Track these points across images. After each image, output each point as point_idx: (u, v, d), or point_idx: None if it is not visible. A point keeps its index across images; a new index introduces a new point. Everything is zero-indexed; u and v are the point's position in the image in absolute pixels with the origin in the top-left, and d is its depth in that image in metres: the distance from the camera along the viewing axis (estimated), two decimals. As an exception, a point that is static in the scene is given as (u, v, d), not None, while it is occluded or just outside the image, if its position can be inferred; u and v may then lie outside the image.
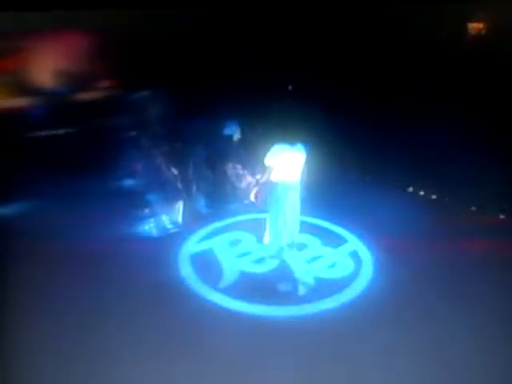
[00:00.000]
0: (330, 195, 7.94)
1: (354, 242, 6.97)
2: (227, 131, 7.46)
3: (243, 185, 7.42)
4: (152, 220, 7.09)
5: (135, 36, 7.82)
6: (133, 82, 7.51)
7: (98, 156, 7.26)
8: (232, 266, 6.34)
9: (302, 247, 6.72)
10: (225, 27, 8.68)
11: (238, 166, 7.42)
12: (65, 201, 7.53)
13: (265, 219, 6.61)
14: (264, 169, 6.06)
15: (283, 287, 5.96)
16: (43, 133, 7.85)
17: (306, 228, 6.88)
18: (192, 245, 6.80)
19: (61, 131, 8.05)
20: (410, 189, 8.59)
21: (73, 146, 8.00)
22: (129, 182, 6.95)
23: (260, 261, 6.46)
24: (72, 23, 7.63)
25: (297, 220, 6.42)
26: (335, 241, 6.98)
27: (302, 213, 6.47)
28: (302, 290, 5.90)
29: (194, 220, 7.27)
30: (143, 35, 7.88)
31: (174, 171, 7.09)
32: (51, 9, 6.90)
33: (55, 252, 6.29)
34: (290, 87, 8.87)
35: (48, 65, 7.96)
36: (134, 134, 6.91)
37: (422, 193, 8.45)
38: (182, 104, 7.28)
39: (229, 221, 7.40)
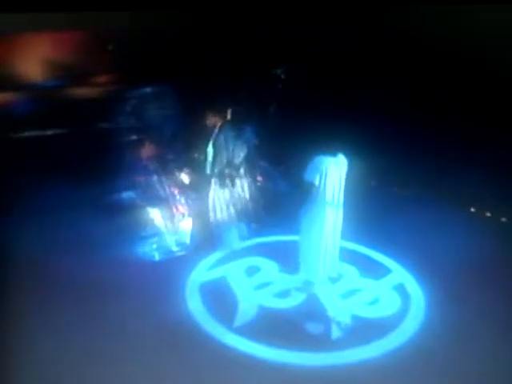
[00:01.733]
0: (371, 215, 7.06)
1: (401, 273, 6.17)
2: (246, 137, 6.67)
3: (265, 199, 6.65)
4: (154, 240, 6.53)
5: (136, 32, 7.36)
6: (135, 80, 7.00)
7: (93, 163, 6.85)
8: (249, 300, 5.68)
9: (335, 278, 5.96)
10: (238, 30, 8.21)
11: (260, 178, 6.69)
12: (53, 216, 6.97)
13: (290, 243, 5.99)
14: (303, 185, 5.42)
15: (312, 328, 5.21)
16: (31, 135, 7.30)
17: (341, 255, 6.06)
18: (201, 272, 6.13)
19: (51, 134, 7.50)
20: (472, 209, 7.68)
21: (65, 151, 7.45)
22: (128, 195, 6.51)
23: (284, 294, 5.75)
24: (69, 22, 7.17)
25: (337, 245, 5.76)
26: (377, 271, 6.21)
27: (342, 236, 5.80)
28: (335, 333, 5.14)
29: (205, 242, 6.54)
30: (145, 32, 7.42)
31: (182, 183, 6.49)
32: (53, 11, 6.52)
33: (39, 281, 5.78)
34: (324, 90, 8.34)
35: (43, 60, 7.52)
36: (135, 138, 6.42)
37: (488, 214, 7.55)
38: (192, 106, 6.59)
39: (246, 243, 6.67)
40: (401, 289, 5.91)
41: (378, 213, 7.37)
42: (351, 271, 6.17)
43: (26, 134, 7.25)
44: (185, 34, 7.44)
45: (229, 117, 6.57)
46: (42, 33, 7.41)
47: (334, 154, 5.43)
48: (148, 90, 6.62)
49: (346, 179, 5.59)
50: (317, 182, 5.41)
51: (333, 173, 5.43)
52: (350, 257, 6.27)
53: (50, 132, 7.46)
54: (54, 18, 6.98)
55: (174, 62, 7.33)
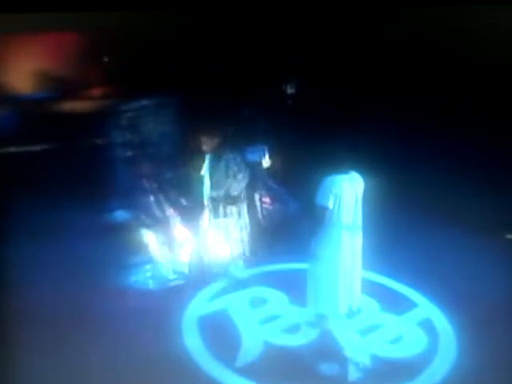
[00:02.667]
0: (392, 241, 6.66)
1: (427, 307, 5.68)
2: (252, 156, 6.52)
3: (273, 223, 6.35)
4: (149, 267, 6.17)
5: (134, 41, 7.14)
6: (131, 92, 6.73)
7: (84, 181, 6.52)
8: (254, 336, 5.29)
9: (353, 312, 5.46)
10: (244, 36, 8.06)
11: (267, 200, 6.35)
12: (38, 238, 6.56)
13: (301, 271, 5.47)
14: (316, 207, 5.01)
15: (326, 369, 4.80)
16: (17, 151, 6.92)
17: (365, 287, 5.64)
18: (200, 303, 5.75)
19: (39, 150, 7.13)
20: (509, 235, 7.15)
21: (53, 168, 7.10)
22: (121, 217, 6.23)
23: (293, 329, 5.35)
24: (62, 24, 6.91)
25: (358, 276, 5.31)
26: (400, 305, 5.75)
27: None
28: (352, 375, 4.71)
29: (205, 270, 6.19)
30: (143, 35, 7.16)
31: (181, 205, 6.18)
32: (45, 10, 6.23)
33: (21, 311, 5.33)
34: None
35: (32, 69, 7.21)
36: (130, 154, 6.18)
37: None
38: (193, 121, 6.30)
39: (251, 272, 6.27)
40: (427, 325, 5.46)
41: (401, 239, 6.96)
42: (370, 304, 5.69)
43: (12, 149, 6.89)
44: (186, 44, 7.19)
45: (233, 133, 6.25)
46: (31, 38, 7.12)
47: (348, 172, 5.02)
48: (145, 102, 6.37)
49: (363, 200, 5.16)
50: (330, 204, 4.97)
51: (348, 193, 4.99)
52: (368, 288, 5.74)
53: (37, 148, 7.12)
54: (42, 19, 6.63)
55: (174, 73, 7.04)
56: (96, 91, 7.19)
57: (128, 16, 6.64)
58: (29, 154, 7.26)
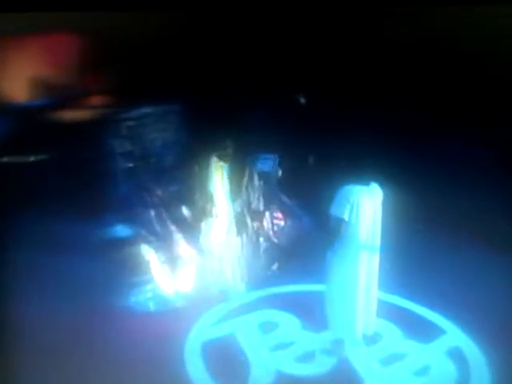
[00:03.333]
0: (416, 260, 6.28)
1: (456, 334, 5.26)
2: (262, 167, 6.21)
3: (285, 240, 6.01)
4: (149, 288, 5.81)
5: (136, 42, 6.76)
6: (132, 98, 6.39)
7: (80, 193, 6.14)
8: (264, 364, 4.95)
9: (373, 339, 5.12)
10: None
11: (278, 215, 6.04)
12: (29, 254, 6.12)
13: (315, 293, 5.26)
14: (331, 222, 4.73)
15: None
16: (9, 161, 6.57)
17: (381, 310, 5.27)
18: (205, 328, 5.40)
19: (32, 161, 6.75)
20: None
21: (46, 179, 6.74)
22: (119, 232, 5.83)
23: (307, 357, 4.99)
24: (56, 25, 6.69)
25: (374, 297, 4.98)
26: (426, 331, 5.32)
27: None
28: None
29: (211, 290, 5.88)
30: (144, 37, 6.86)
31: (185, 220, 5.83)
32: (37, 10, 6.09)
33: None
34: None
35: (26, 74, 6.84)
36: (130, 165, 5.91)
37: None
38: (199, 129, 6.03)
39: (260, 293, 5.92)
40: (457, 354, 5.05)
41: (426, 257, 6.53)
42: (392, 331, 5.29)
43: (4, 160, 6.54)
44: (193, 47, 6.98)
45: (242, 144, 5.99)
46: (25, 40, 6.79)
47: (367, 183, 4.72)
48: (148, 110, 6.10)
49: (383, 214, 4.85)
50: (346, 215, 4.68)
51: (366, 206, 4.70)
52: (390, 313, 5.40)
53: (31, 159, 6.74)
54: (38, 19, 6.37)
55: (180, 78, 6.72)
56: (95, 98, 6.91)
57: (130, 18, 6.47)
58: (22, 165, 6.92)
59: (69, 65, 6.73)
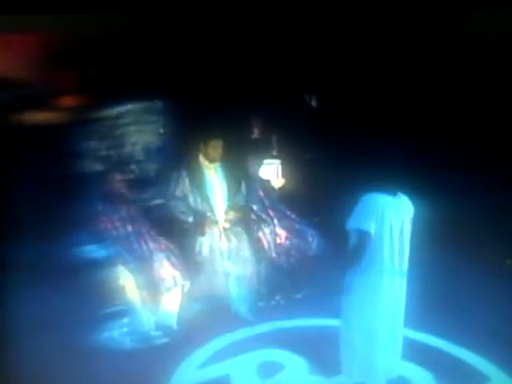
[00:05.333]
0: (449, 290, 5.50)
1: (503, 381, 4.44)
2: (261, 174, 5.56)
3: (291, 264, 5.26)
4: (125, 321, 5.08)
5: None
6: (108, 92, 5.63)
7: (44, 205, 5.38)
8: None
9: None
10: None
11: (283, 232, 5.27)
12: None
13: (327, 329, 4.61)
14: (348, 242, 4.02)
15: None
16: None
17: (408, 351, 4.44)
18: (193, 369, 4.67)
19: None
20: None
21: (10, 187, 5.85)
22: (89, 252, 5.08)
23: None
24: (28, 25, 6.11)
25: (400, 334, 4.19)
26: (464, 377, 4.53)
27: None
28: None
29: (200, 324, 5.11)
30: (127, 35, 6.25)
31: (170, 237, 5.04)
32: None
33: None
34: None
35: None
36: (103, 171, 5.10)
37: None
38: (188, 131, 5.33)
39: (260, 329, 5.15)
40: None
41: (461, 287, 5.76)
42: (423, 376, 4.49)
43: None
44: (182, 42, 6.42)
45: (239, 149, 5.49)
46: None
47: (394, 193, 3.97)
48: (128, 108, 5.26)
49: (412, 233, 4.10)
50: (371, 233, 3.90)
51: (392, 220, 3.94)
52: (419, 353, 4.63)
53: None
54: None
55: (166, 72, 6.10)
56: (64, 97, 6.29)
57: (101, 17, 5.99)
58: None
59: (35, 64, 6.28)
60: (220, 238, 5.17)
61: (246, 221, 5.35)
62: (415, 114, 7.38)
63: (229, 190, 5.24)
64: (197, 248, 5.14)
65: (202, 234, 5.11)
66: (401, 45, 7.62)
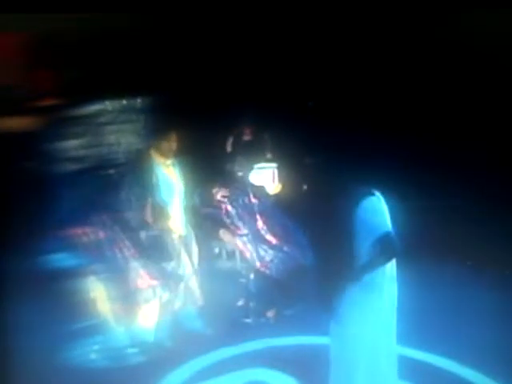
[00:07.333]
0: (452, 305, 5.21)
1: None
2: (251, 179, 5.22)
3: (282, 277, 4.94)
4: (96, 338, 4.67)
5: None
6: (86, 88, 5.36)
7: (10, 210, 4.90)
8: None
9: None
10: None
11: (274, 240, 4.99)
12: None
13: (317, 348, 4.27)
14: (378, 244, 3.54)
15: None
16: None
17: (404, 369, 4.05)
18: None
19: None
20: None
21: None
22: (58, 260, 4.70)
23: None
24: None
25: (394, 352, 3.91)
26: None
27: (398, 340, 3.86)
28: None
29: (180, 341, 4.78)
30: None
31: (148, 245, 4.67)
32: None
33: None
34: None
35: None
36: (73, 174, 4.74)
37: None
38: (164, 131, 4.88)
39: (247, 347, 4.86)
40: None
41: (465, 302, 5.41)
42: None
43: None
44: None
45: (231, 152, 5.50)
46: None
47: (390, 198, 3.69)
48: (106, 105, 4.91)
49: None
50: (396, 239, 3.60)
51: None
52: (418, 372, 4.32)
53: None
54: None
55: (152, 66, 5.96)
56: (36, 96, 6.03)
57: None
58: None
59: (9, 63, 6.05)
60: (205, 246, 4.96)
61: (236, 227, 5.07)
62: (414, 117, 7.31)
63: (218, 196, 5.04)
64: (177, 257, 4.81)
65: (185, 243, 4.86)
66: (399, 47, 7.70)
